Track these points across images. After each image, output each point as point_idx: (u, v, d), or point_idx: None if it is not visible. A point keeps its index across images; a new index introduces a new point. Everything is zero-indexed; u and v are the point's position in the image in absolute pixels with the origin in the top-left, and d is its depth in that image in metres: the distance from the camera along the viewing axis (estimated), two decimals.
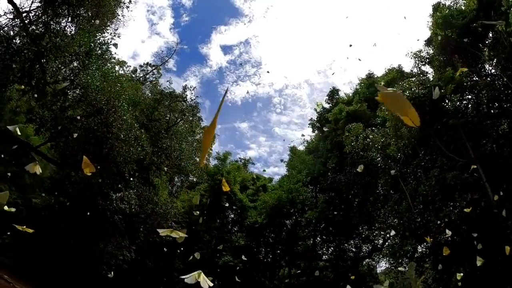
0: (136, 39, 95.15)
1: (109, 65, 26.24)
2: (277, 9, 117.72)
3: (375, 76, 39.01)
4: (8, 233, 25.26)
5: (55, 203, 27.89)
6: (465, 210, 18.32)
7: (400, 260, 28.30)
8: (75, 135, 21.32)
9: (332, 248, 37.93)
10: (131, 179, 26.91)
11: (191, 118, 33.78)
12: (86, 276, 26.52)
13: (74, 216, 26.30)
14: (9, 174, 25.24)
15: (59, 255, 25.92)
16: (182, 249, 32.18)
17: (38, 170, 4.55)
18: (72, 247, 26.32)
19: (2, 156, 24.16)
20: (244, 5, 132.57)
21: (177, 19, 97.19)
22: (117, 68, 29.67)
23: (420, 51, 30.70)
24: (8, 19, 22.00)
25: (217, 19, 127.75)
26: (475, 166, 19.11)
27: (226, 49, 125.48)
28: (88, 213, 25.57)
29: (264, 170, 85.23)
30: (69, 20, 23.22)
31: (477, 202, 20.82)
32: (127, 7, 26.59)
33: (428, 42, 30.13)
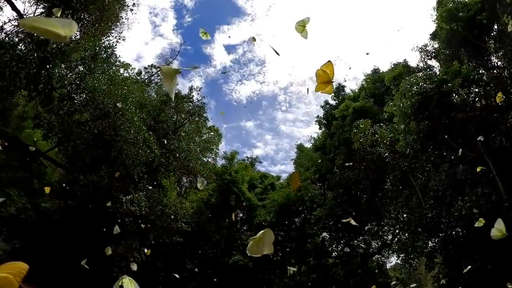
0: (140, 41, 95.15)
1: (114, 68, 26.30)
2: (279, 7, 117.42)
3: (381, 72, 38.88)
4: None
5: (65, 207, 27.96)
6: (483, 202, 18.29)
7: (411, 256, 28.26)
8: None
9: (341, 245, 37.87)
10: (141, 181, 27.04)
11: (197, 119, 33.83)
12: (97, 279, 26.58)
13: (84, 220, 26.37)
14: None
15: (70, 259, 26.00)
16: (191, 243, 32.36)
17: None
18: (83, 250, 26.41)
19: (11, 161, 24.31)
20: (246, 4, 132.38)
21: (180, 20, 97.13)
22: (122, 70, 29.68)
23: (425, 45, 30.57)
24: (12, 26, 22.11)
25: (220, 18, 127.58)
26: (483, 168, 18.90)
27: (230, 49, 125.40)
28: (98, 216, 25.64)
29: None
30: None
31: (488, 196, 20.72)
32: (131, 10, 26.64)
33: (433, 36, 29.98)
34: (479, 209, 20.44)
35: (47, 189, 16.01)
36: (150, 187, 29.21)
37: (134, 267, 10.86)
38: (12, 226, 27.21)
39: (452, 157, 23.51)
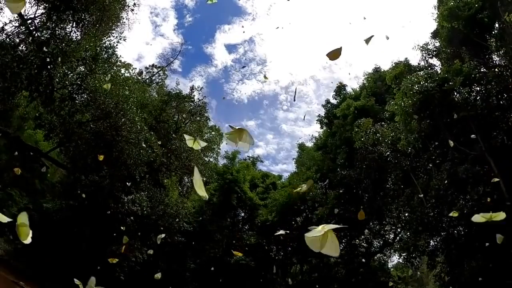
0: (141, 41, 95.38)
1: (115, 68, 26.31)
2: (280, 6, 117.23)
3: (382, 70, 38.81)
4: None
5: (67, 207, 27.99)
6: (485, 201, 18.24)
7: (413, 255, 28.25)
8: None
9: (343, 244, 37.86)
10: (142, 181, 27.02)
11: (198, 118, 33.86)
12: (100, 279, 26.60)
13: (86, 220, 26.40)
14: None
15: (72, 258, 26.05)
16: (193, 243, 32.34)
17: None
18: (85, 250, 26.46)
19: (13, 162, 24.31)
20: (246, 3, 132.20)
21: (181, 20, 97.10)
22: (123, 71, 29.70)
23: (427, 44, 30.48)
24: (13, 27, 22.11)
25: (220, 18, 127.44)
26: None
27: (231, 48, 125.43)
28: (100, 216, 25.66)
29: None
30: (74, 25, 23.28)
31: (490, 195, 20.67)
32: (132, 10, 26.63)
33: (435, 35, 29.92)
34: (481, 208, 20.44)
35: (17, 171, 15.80)
36: (152, 187, 29.20)
37: (159, 275, 10.83)
38: (14, 226, 27.23)
39: (455, 155, 23.49)
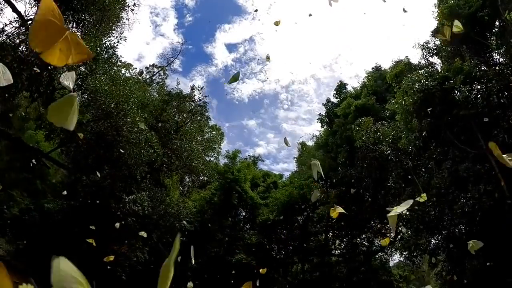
0: (141, 41, 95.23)
1: (116, 68, 26.30)
2: (280, 5, 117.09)
3: (383, 69, 38.78)
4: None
5: (68, 207, 28.02)
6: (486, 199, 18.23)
7: (414, 253, 28.26)
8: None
9: (344, 243, 37.88)
10: (143, 181, 27.02)
11: (199, 118, 33.87)
12: (101, 278, 26.62)
13: (87, 220, 26.41)
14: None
15: (73, 259, 26.04)
16: (194, 242, 32.34)
17: None
18: (86, 250, 26.46)
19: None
20: (246, 2, 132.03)
21: (181, 20, 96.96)
22: (123, 71, 29.71)
23: (427, 42, 30.42)
24: (13, 28, 22.12)
25: (221, 17, 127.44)
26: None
27: (231, 47, 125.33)
28: (101, 216, 25.67)
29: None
30: (74, 25, 23.28)
31: (491, 194, 20.67)
32: (132, 10, 26.64)
33: (435, 33, 29.86)
34: (482, 206, 20.45)
35: None
36: (153, 187, 29.22)
37: (190, 284, 10.80)
38: (16, 227, 27.29)
39: (456, 153, 23.47)
